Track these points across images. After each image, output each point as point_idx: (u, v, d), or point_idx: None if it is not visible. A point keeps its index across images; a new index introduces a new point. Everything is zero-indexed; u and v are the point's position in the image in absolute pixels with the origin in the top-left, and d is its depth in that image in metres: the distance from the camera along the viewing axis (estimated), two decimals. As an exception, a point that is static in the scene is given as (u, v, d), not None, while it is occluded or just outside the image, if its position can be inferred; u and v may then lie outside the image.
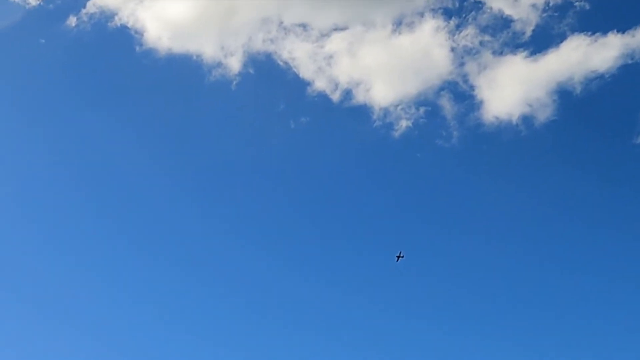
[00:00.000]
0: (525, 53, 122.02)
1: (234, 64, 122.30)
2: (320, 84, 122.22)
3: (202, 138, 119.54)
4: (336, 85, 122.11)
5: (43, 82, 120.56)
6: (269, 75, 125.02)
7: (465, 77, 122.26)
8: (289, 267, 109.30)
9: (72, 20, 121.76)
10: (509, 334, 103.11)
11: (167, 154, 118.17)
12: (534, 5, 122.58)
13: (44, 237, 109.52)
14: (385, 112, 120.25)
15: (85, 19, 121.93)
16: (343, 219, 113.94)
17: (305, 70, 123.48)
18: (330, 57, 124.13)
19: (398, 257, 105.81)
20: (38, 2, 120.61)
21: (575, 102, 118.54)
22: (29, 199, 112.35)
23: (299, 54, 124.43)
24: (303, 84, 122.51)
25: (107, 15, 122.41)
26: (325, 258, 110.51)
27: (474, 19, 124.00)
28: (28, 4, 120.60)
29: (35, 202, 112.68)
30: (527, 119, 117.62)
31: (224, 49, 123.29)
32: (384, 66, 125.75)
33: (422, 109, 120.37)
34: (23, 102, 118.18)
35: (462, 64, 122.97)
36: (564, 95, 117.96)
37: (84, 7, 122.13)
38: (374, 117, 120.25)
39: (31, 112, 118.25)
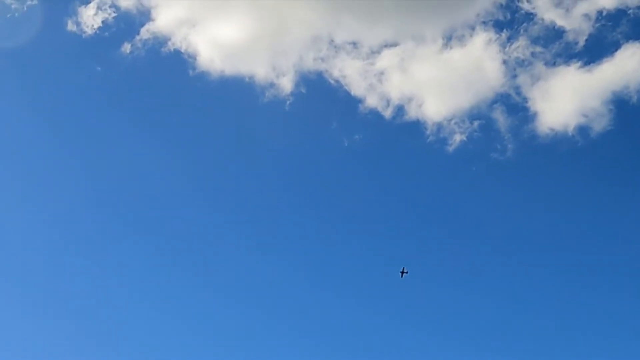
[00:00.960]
0: (579, 63, 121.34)
1: (286, 84, 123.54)
2: (372, 101, 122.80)
3: (258, 159, 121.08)
4: (388, 102, 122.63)
5: (100, 109, 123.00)
6: (320, 94, 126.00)
7: (518, 89, 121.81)
8: (345, 290, 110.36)
9: (126, 47, 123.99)
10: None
11: (224, 176, 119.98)
12: (586, 15, 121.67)
13: (101, 266, 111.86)
14: (439, 126, 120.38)
15: (139, 45, 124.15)
16: (402, 236, 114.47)
17: (357, 87, 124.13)
18: (382, 73, 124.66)
19: (402, 272, 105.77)
20: (94, 31, 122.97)
21: (632, 111, 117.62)
22: (88, 225, 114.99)
23: (349, 72, 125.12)
24: (355, 101, 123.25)
25: (160, 41, 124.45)
26: (381, 280, 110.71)
27: (525, 30, 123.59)
28: (84, 32, 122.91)
29: (97, 228, 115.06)
30: (583, 130, 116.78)
31: (275, 69, 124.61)
32: (436, 81, 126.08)
33: (475, 123, 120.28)
34: (81, 129, 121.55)
35: (514, 76, 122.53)
36: (619, 104, 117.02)
37: (138, 33, 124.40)
38: (427, 132, 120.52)
39: (89, 140, 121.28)
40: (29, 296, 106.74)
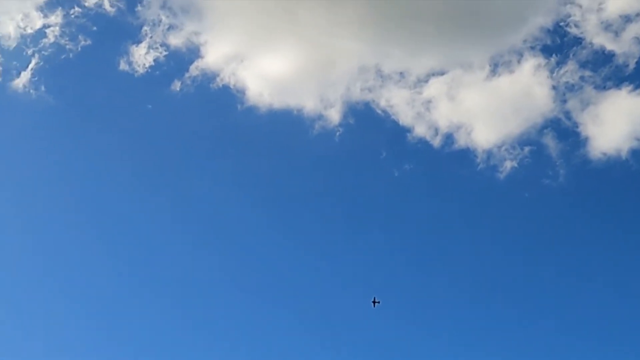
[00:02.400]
0: (630, 87, 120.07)
1: (334, 115, 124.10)
2: (421, 130, 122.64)
3: (310, 190, 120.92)
4: (436, 131, 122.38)
5: (151, 146, 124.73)
6: (369, 124, 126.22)
7: (568, 114, 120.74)
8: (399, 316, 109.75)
9: (176, 85, 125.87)
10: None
11: (278, 208, 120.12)
12: (636, 38, 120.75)
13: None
14: (489, 154, 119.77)
15: (188, 82, 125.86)
16: (458, 265, 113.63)
17: (405, 117, 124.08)
18: (429, 102, 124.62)
19: (374, 302, 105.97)
20: (145, 70, 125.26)
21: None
22: (147, 261, 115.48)
23: (397, 101, 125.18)
24: (403, 130, 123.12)
25: (209, 77, 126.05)
26: (448, 315, 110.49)
27: (574, 55, 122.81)
28: (136, 72, 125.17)
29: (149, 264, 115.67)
30: (636, 153, 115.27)
31: (323, 100, 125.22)
32: (484, 108, 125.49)
33: (526, 149, 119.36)
34: (136, 167, 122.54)
35: (564, 101, 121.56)
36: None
37: (187, 71, 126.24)
38: (478, 159, 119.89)
39: (141, 177, 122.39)
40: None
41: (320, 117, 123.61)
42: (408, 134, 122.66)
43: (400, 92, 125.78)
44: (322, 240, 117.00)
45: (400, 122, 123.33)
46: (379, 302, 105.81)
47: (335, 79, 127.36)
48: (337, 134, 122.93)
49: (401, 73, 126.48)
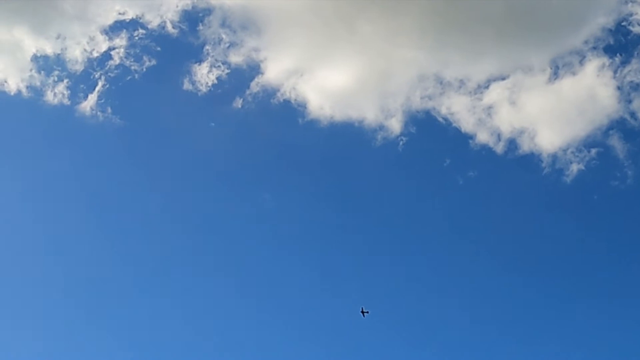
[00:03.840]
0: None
1: (395, 125, 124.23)
2: (483, 137, 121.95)
3: (376, 203, 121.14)
4: (499, 136, 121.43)
5: (215, 163, 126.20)
6: (430, 133, 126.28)
7: (634, 114, 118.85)
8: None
9: (238, 102, 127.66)
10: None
11: (344, 222, 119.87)
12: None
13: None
14: (554, 158, 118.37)
15: (249, 99, 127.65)
16: (528, 272, 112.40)
17: (466, 123, 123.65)
18: (490, 107, 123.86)
19: (363, 312, 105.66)
20: (208, 89, 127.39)
21: None
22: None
23: (457, 108, 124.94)
24: (465, 138, 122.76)
25: (269, 93, 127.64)
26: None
27: (639, 53, 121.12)
28: (199, 91, 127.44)
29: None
30: None
31: (384, 111, 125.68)
32: (547, 111, 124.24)
33: (592, 151, 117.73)
34: (200, 183, 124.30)
35: (629, 101, 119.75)
36: None
37: (248, 87, 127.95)
38: (543, 164, 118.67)
39: (207, 192, 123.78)
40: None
41: (381, 127, 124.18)
42: (470, 141, 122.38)
43: (461, 98, 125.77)
44: (393, 251, 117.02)
45: (462, 129, 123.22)
46: (367, 312, 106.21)
47: (395, 89, 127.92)
48: (401, 143, 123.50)
49: (461, 80, 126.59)
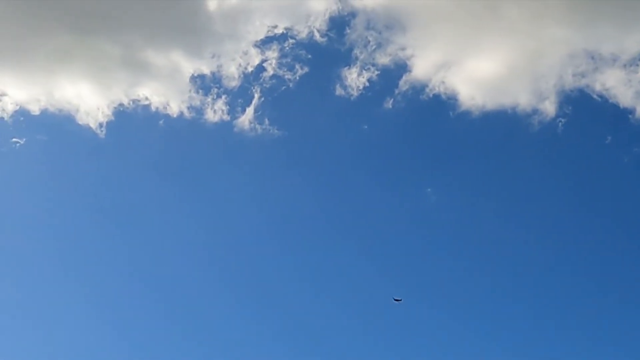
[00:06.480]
0: None
1: (549, 108, 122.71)
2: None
3: (540, 190, 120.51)
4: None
5: (372, 164, 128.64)
6: (587, 111, 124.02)
7: None
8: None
9: (388, 103, 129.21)
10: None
11: (510, 212, 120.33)
12: None
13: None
14: None
15: (399, 98, 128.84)
16: None
17: (623, 98, 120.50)
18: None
19: (396, 299, 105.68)
20: (359, 92, 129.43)
21: None
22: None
23: (612, 83, 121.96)
24: (624, 113, 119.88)
25: (418, 90, 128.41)
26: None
27: None
28: (351, 95, 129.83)
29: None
30: None
31: (536, 94, 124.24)
32: None
33: None
34: (359, 187, 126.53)
35: None
36: None
37: (397, 86, 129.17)
38: None
39: (366, 195, 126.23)
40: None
41: (535, 111, 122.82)
42: (630, 116, 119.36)
43: (615, 72, 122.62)
44: (566, 238, 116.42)
45: (620, 104, 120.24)
46: (400, 300, 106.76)
47: (546, 70, 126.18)
48: (560, 125, 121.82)
49: (613, 53, 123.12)
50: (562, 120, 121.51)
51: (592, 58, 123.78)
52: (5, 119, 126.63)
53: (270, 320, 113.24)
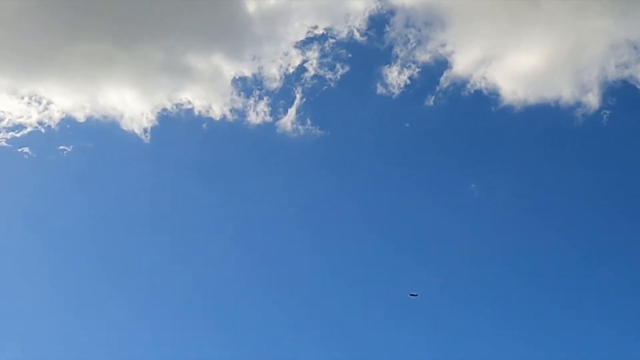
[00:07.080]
0: None
1: (593, 100, 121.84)
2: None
3: (588, 184, 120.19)
4: None
5: (415, 161, 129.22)
6: (632, 102, 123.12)
7: None
8: None
9: (429, 100, 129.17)
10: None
11: (558, 209, 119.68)
12: None
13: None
14: None
15: (440, 95, 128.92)
16: None
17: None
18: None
19: (412, 294, 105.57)
20: (400, 90, 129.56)
21: None
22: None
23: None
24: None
25: (459, 86, 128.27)
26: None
27: None
28: (393, 94, 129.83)
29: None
30: None
31: (578, 86, 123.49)
32: None
33: None
34: (401, 184, 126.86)
35: None
36: None
37: (438, 83, 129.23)
38: None
39: (409, 193, 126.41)
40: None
41: (579, 104, 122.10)
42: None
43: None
44: (614, 234, 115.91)
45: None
46: (416, 295, 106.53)
47: (588, 62, 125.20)
48: (605, 117, 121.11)
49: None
50: (607, 112, 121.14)
51: (635, 48, 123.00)
52: (52, 127, 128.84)
53: (317, 330, 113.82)
